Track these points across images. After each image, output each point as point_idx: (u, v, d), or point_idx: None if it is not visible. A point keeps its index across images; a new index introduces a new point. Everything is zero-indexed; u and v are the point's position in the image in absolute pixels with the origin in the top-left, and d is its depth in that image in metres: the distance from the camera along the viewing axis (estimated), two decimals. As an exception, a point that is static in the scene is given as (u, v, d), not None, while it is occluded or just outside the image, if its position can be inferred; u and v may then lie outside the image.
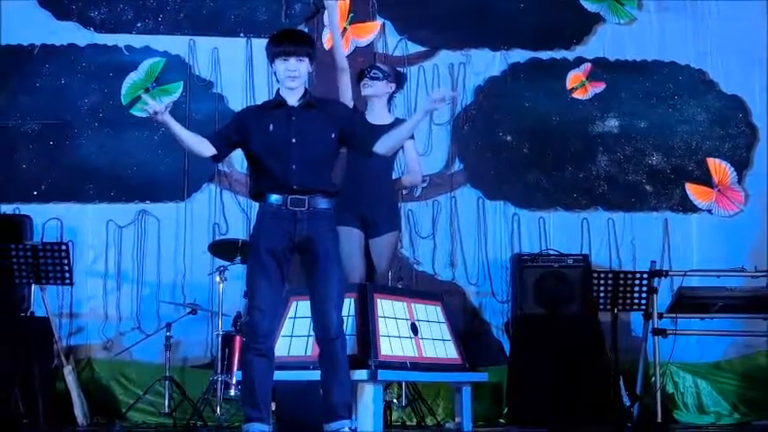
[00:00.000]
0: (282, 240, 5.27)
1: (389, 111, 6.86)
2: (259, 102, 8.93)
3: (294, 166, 5.27)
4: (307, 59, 5.37)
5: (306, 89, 5.45)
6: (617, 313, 8.02)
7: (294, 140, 5.29)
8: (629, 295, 8.06)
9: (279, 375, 5.41)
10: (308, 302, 5.37)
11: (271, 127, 5.34)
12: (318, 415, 5.29)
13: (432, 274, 8.94)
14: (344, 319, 5.37)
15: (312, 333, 5.50)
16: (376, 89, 6.65)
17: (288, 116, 5.36)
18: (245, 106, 8.89)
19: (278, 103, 5.42)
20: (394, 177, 6.81)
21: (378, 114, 6.68)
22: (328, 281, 5.25)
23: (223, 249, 8.07)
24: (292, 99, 5.39)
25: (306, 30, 8.94)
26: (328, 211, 5.34)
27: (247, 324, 5.36)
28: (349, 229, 6.54)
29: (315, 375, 5.37)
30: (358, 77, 6.74)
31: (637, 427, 7.70)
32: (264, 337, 5.23)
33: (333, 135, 5.36)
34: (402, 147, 6.61)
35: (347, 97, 6.65)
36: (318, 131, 5.34)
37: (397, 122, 6.70)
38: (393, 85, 6.79)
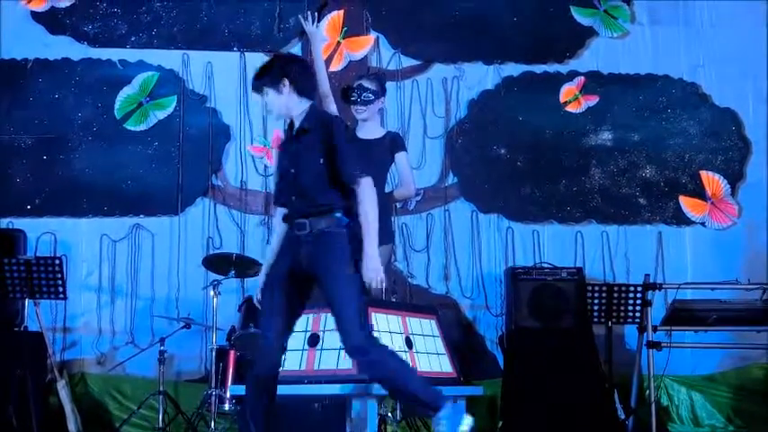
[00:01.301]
0: (288, 264, 5.19)
1: (381, 123, 6.88)
2: (252, 115, 9.07)
3: (293, 197, 5.22)
4: (269, 89, 5.21)
5: (311, 107, 5.30)
6: (611, 326, 8.04)
7: (293, 171, 5.24)
8: (623, 308, 8.08)
9: (273, 389, 5.40)
10: (304, 316, 5.37)
11: (280, 158, 5.36)
12: (313, 429, 5.28)
13: (426, 287, 8.94)
14: (333, 333, 5.34)
15: (306, 347, 5.50)
16: (370, 111, 6.64)
17: (289, 145, 5.32)
18: (238, 120, 9.02)
19: (288, 128, 5.37)
20: (387, 191, 6.81)
21: (370, 130, 6.69)
22: (335, 300, 5.10)
23: (217, 263, 8.06)
24: (296, 124, 5.31)
25: (300, 43, 8.99)
26: (334, 231, 5.15)
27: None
28: (342, 242, 6.55)
29: (309, 390, 5.38)
30: (344, 96, 6.71)
31: (631, 441, 7.70)
32: (264, 366, 5.15)
33: (321, 161, 5.19)
34: (394, 160, 6.63)
35: None
36: (308, 160, 5.21)
37: (388, 135, 6.72)
38: (383, 99, 6.79)
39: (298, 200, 5.19)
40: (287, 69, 5.23)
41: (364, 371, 5.19)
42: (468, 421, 5.13)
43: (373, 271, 5.03)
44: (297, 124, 5.26)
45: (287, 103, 5.23)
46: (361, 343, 5.04)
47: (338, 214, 5.15)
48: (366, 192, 5.13)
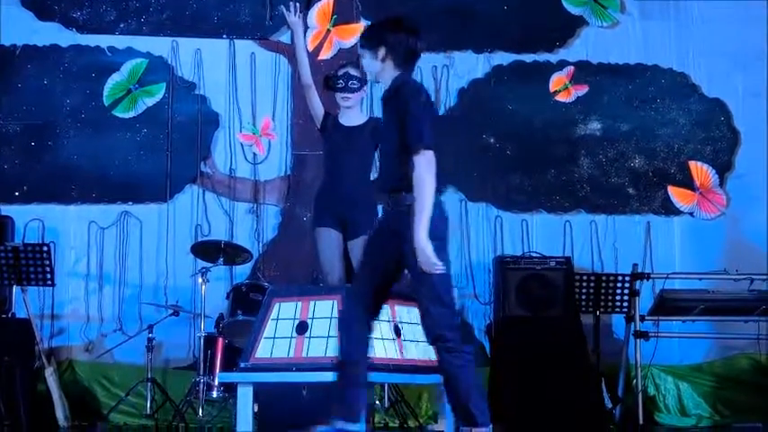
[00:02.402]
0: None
1: (361, 109, 6.92)
2: (242, 103, 9.05)
3: (381, 171, 5.20)
4: (367, 52, 5.04)
5: (396, 77, 5.04)
6: (599, 315, 8.07)
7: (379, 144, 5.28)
8: (611, 298, 8.11)
9: (262, 377, 5.41)
10: (292, 304, 5.37)
11: None
12: (301, 416, 5.28)
13: (414, 276, 8.93)
14: (329, 320, 5.34)
15: (295, 335, 5.50)
16: (355, 99, 6.68)
17: None
18: (227, 108, 9.01)
19: None
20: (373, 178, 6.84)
21: (353, 116, 6.73)
22: (415, 279, 4.90)
23: (205, 251, 8.06)
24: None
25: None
26: (405, 209, 4.86)
27: None
28: (327, 230, 6.59)
29: (297, 377, 5.38)
30: (328, 83, 6.72)
31: (618, 430, 7.71)
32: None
33: (396, 133, 4.93)
34: (378, 147, 6.66)
35: (319, 110, 6.70)
36: (387, 132, 5.07)
37: (371, 121, 6.75)
38: (366, 87, 6.84)
39: (381, 174, 5.11)
40: (387, 37, 5.00)
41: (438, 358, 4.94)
42: None
43: (422, 253, 4.70)
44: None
45: (380, 71, 5.01)
46: (434, 328, 4.87)
47: (409, 195, 4.84)
48: (422, 164, 4.76)
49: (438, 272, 4.74)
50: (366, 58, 5.04)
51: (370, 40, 5.04)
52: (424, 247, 4.71)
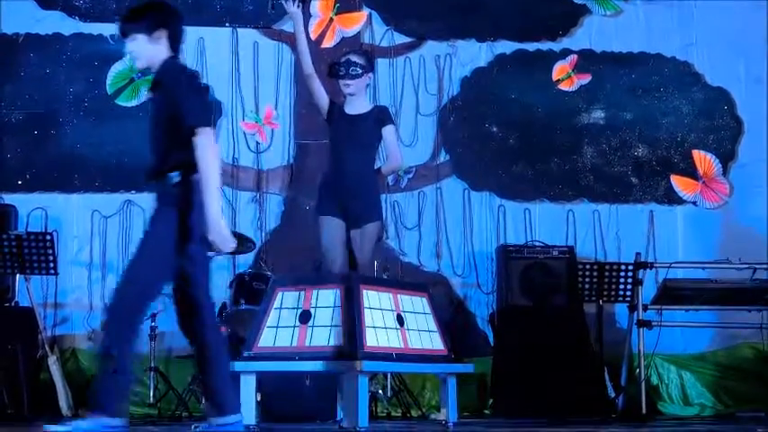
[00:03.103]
0: None
1: (367, 98, 6.91)
2: (243, 91, 9.04)
3: (152, 156, 5.04)
4: (141, 35, 4.90)
5: (168, 59, 4.94)
6: (602, 305, 8.06)
7: (151, 127, 5.08)
8: (614, 287, 8.12)
9: (265, 366, 5.40)
10: (295, 293, 5.38)
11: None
12: (304, 406, 5.29)
13: (417, 265, 8.94)
14: (331, 310, 5.34)
15: (298, 324, 5.50)
16: (357, 86, 6.67)
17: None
18: (230, 96, 8.99)
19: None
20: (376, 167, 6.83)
21: (357, 105, 6.72)
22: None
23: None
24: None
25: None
26: (168, 192, 4.89)
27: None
28: (330, 218, 6.60)
29: (301, 366, 5.37)
30: (331, 71, 6.72)
31: (621, 419, 7.71)
32: None
33: (168, 115, 4.85)
34: (381, 135, 6.66)
35: (323, 99, 6.69)
36: (158, 115, 5.01)
37: (375, 109, 6.75)
38: (371, 74, 6.84)
39: (152, 159, 4.95)
40: (168, 19, 4.99)
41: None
42: None
43: (216, 233, 4.83)
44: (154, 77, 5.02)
45: (157, 54, 4.93)
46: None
47: (175, 174, 4.83)
48: (204, 143, 4.73)
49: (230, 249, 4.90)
50: (137, 41, 4.91)
51: (147, 21, 4.93)
52: (216, 221, 4.79)
